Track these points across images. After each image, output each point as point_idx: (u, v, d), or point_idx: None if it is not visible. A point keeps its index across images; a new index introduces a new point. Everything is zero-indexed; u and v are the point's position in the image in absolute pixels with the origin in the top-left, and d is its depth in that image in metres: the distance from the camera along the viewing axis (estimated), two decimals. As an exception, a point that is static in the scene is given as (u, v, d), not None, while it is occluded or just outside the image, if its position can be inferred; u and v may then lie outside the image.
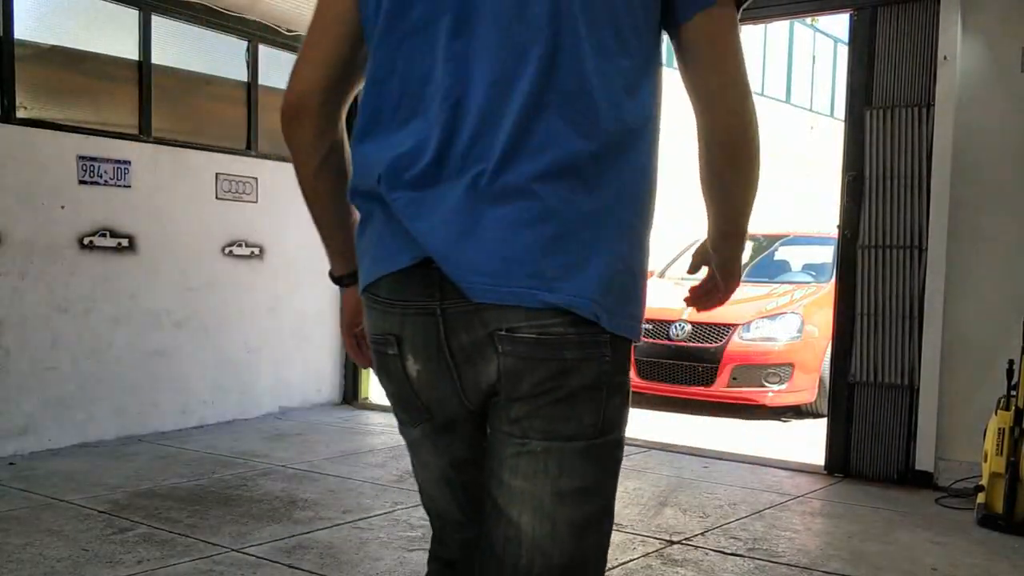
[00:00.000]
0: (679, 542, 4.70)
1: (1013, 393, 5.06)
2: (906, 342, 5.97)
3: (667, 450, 6.95)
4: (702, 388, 8.61)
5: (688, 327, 8.77)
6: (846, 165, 6.18)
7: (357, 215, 1.59)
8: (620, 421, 1.52)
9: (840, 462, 6.21)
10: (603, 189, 1.39)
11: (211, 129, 7.65)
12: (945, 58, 5.81)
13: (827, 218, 8.22)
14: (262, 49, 7.85)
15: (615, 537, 4.74)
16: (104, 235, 6.72)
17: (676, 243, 11.04)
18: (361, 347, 1.84)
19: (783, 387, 8.42)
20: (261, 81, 7.86)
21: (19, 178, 6.24)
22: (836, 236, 6.32)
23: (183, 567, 4.17)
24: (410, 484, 5.75)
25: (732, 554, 4.53)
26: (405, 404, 1.60)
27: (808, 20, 17.60)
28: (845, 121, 6.27)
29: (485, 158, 1.38)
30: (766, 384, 8.42)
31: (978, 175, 5.78)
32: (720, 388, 8.55)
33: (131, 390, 6.94)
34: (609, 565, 4.31)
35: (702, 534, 4.85)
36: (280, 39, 7.91)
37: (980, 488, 5.13)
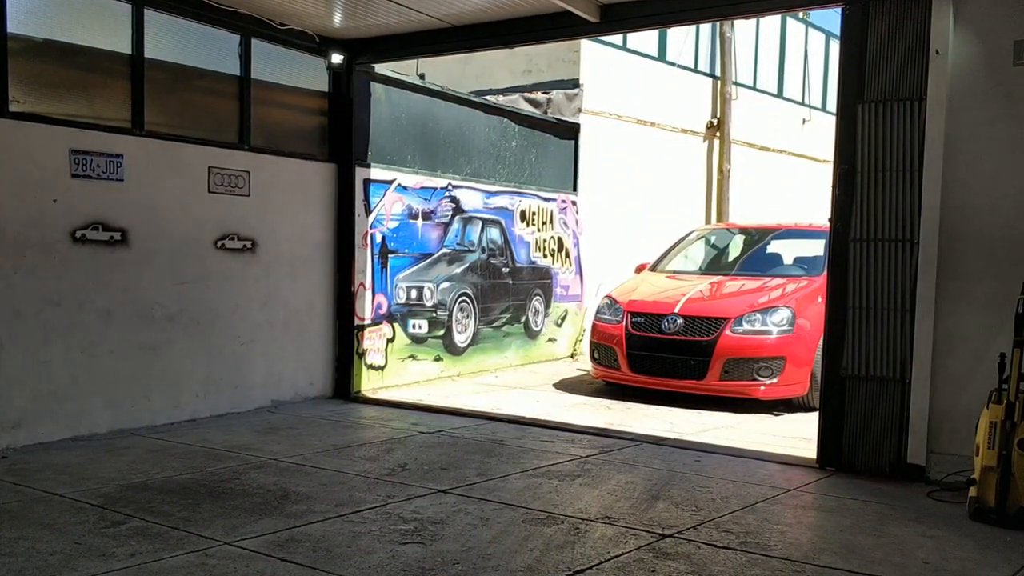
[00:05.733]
0: (671, 535, 4.71)
1: (1005, 387, 5.08)
2: (898, 335, 6.00)
3: (659, 444, 6.97)
4: (694, 382, 8.62)
5: (680, 320, 8.78)
6: (838, 159, 6.20)
7: None
8: None
9: (832, 456, 6.24)
10: None
11: (204, 123, 7.63)
12: (937, 52, 5.82)
13: (820, 212, 8.23)
14: (255, 43, 7.82)
15: (606, 530, 4.79)
16: (97, 229, 6.70)
17: (668, 240, 11.08)
18: None
19: (775, 380, 8.44)
20: (254, 75, 7.83)
21: (11, 172, 6.22)
22: (828, 230, 6.34)
23: (175, 560, 4.17)
24: (402, 477, 5.76)
25: (724, 547, 4.54)
26: None
27: (800, 14, 17.57)
28: (837, 115, 6.28)
29: None
30: (758, 377, 8.45)
31: (970, 169, 5.79)
32: (712, 382, 8.56)
33: (123, 384, 6.94)
34: (601, 558, 4.33)
35: (694, 528, 4.87)
36: (272, 33, 7.89)
37: (972, 482, 5.15)
